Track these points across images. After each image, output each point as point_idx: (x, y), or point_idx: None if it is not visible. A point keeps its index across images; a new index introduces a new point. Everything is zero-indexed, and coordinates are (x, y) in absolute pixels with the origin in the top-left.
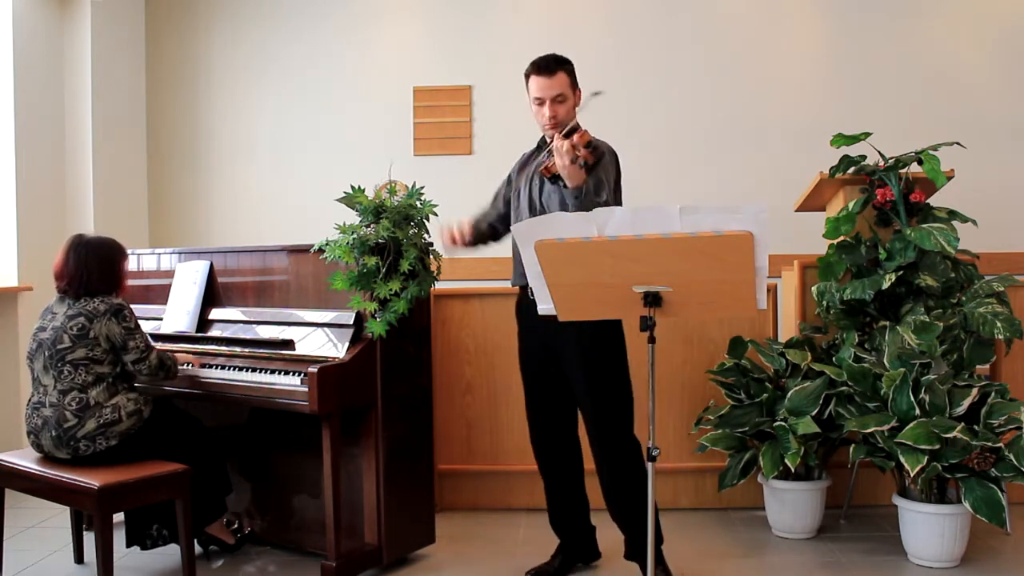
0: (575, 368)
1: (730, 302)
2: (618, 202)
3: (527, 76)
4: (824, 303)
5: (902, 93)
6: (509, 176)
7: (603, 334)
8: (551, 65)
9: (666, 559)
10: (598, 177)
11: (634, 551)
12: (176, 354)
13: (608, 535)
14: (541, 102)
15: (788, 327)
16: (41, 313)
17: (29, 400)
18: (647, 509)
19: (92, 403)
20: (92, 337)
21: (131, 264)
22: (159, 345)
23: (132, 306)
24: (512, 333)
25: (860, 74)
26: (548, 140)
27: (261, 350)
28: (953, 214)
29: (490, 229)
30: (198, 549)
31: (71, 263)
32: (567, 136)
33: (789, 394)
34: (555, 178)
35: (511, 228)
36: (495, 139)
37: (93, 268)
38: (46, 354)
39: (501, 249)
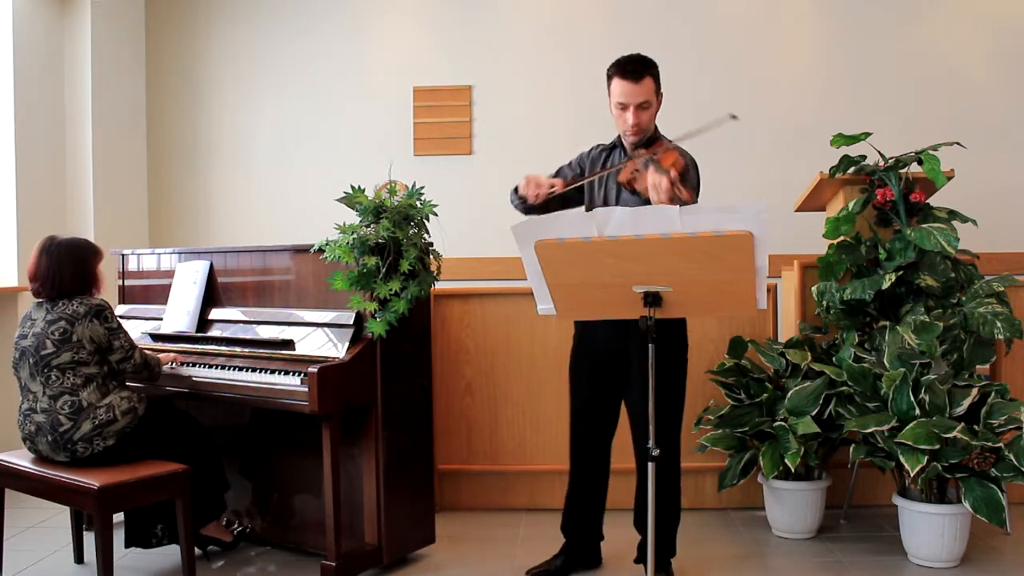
0: (639, 372)
1: (730, 302)
2: None
3: (609, 76)
4: (824, 303)
5: (902, 93)
6: (580, 162)
7: (670, 339)
8: (638, 69)
9: (671, 564)
10: (679, 200)
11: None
12: (160, 353)
13: (612, 540)
14: (624, 107)
15: (788, 327)
16: (20, 320)
17: (20, 407)
18: (678, 516)
19: (85, 405)
20: (75, 340)
21: (131, 264)
22: (159, 345)
23: (132, 306)
24: (512, 333)
25: (860, 74)
26: (628, 145)
27: (261, 350)
28: (953, 214)
29: (560, 201)
30: (197, 550)
31: (43, 265)
32: (646, 147)
33: (789, 394)
34: (635, 191)
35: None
36: (495, 139)
37: (66, 269)
38: (31, 361)
39: (501, 249)
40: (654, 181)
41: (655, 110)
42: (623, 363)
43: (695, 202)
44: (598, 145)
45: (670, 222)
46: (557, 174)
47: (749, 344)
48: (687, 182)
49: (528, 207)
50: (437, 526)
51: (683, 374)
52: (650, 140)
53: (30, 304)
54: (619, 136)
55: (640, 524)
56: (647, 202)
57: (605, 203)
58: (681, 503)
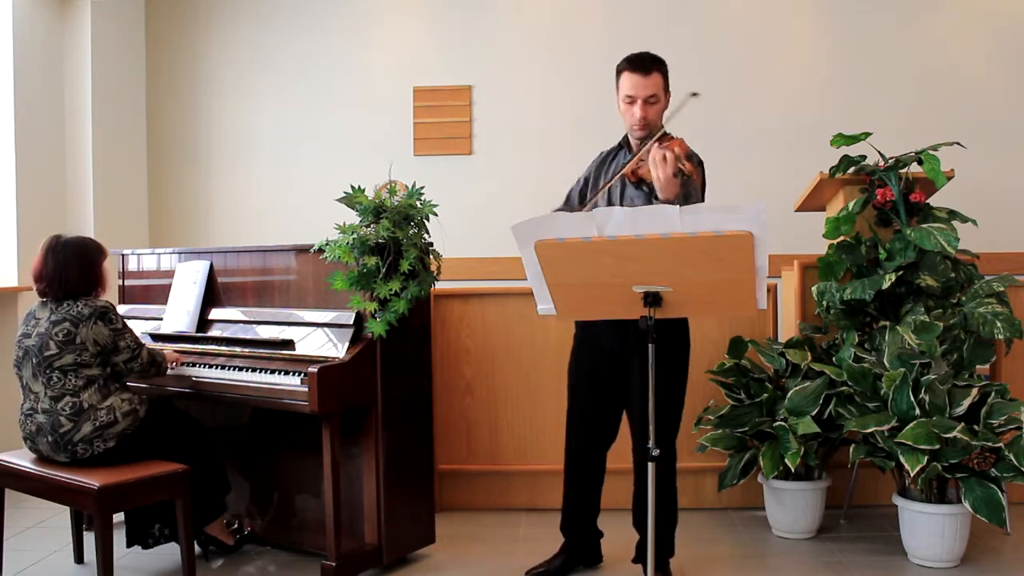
0: (639, 374)
1: (730, 302)
2: None
3: (619, 72)
4: (824, 303)
5: (902, 93)
6: (587, 176)
7: (672, 340)
8: (647, 63)
9: (669, 564)
10: (688, 190)
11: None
12: (165, 351)
13: (612, 539)
14: (632, 101)
15: (788, 327)
16: (23, 319)
17: (21, 407)
18: (675, 517)
19: (86, 406)
20: (79, 342)
21: (131, 264)
22: (159, 345)
23: (133, 306)
24: (512, 333)
25: (860, 74)
26: (634, 141)
27: (261, 350)
28: (953, 214)
29: None
30: (197, 549)
31: (49, 264)
32: (657, 141)
33: (789, 394)
34: (640, 183)
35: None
36: (495, 139)
37: (72, 269)
38: (33, 361)
39: (501, 249)
40: (655, 156)
41: (662, 107)
42: (624, 364)
43: (700, 192)
44: (601, 152)
45: (670, 222)
46: (567, 200)
47: (749, 344)
48: (692, 160)
49: None
50: (437, 526)
51: (684, 375)
52: (660, 139)
53: (34, 303)
54: (625, 136)
55: (639, 524)
56: (652, 193)
57: (609, 201)
58: (679, 503)
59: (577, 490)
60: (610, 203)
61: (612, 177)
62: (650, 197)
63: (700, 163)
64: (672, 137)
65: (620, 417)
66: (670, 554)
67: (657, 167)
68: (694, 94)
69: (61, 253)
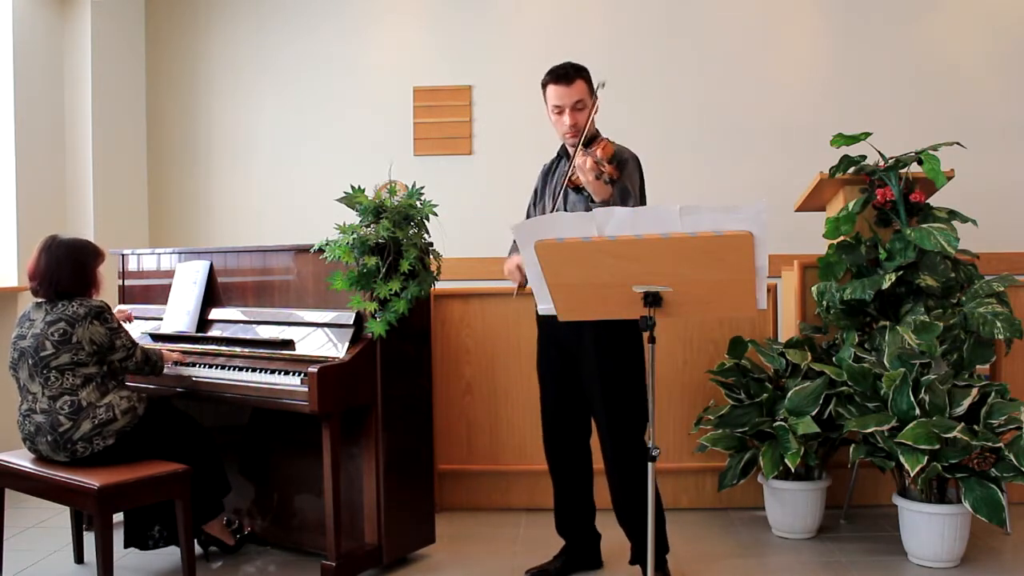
0: (592, 373)
1: (730, 302)
2: None
3: (544, 85)
4: (824, 303)
5: (902, 93)
6: (535, 190)
7: (622, 340)
8: (569, 73)
9: (667, 562)
10: (623, 187)
11: (640, 556)
12: (162, 351)
13: (612, 540)
14: (560, 111)
15: (788, 327)
16: (18, 320)
17: (19, 407)
18: (662, 513)
19: (85, 404)
20: (75, 342)
21: (131, 264)
22: (159, 345)
23: (133, 306)
24: (512, 333)
25: (860, 74)
26: (570, 148)
27: (261, 350)
28: (953, 214)
29: None
30: (198, 550)
31: (43, 264)
32: (587, 146)
33: (789, 394)
34: (579, 189)
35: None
36: (495, 139)
37: (64, 269)
38: (30, 362)
39: (502, 249)
40: (579, 162)
41: (590, 111)
42: (583, 361)
43: (639, 188)
44: (544, 165)
45: (670, 222)
46: (527, 217)
47: (749, 344)
48: (617, 164)
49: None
50: (437, 526)
51: (638, 373)
52: (589, 141)
53: (28, 305)
54: (563, 145)
55: (620, 521)
56: (590, 198)
57: (554, 210)
58: (680, 503)
59: (563, 489)
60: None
61: (556, 188)
62: (588, 202)
63: (630, 159)
64: (601, 139)
65: (589, 413)
66: (665, 551)
67: (584, 173)
68: (602, 84)
69: (55, 253)
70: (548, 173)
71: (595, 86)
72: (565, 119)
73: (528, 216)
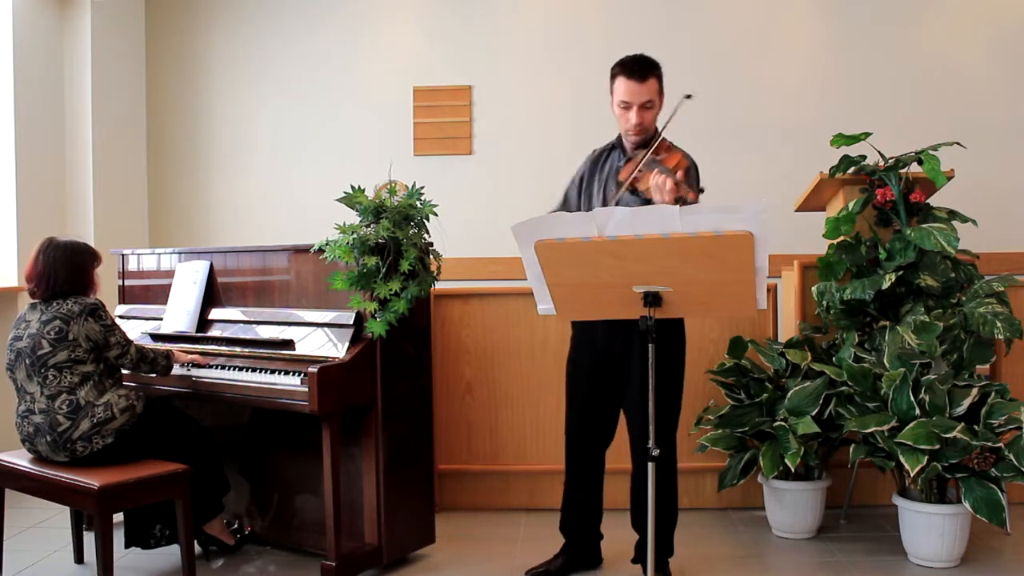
0: (642, 374)
1: (730, 302)
2: None
3: (613, 75)
4: (824, 303)
5: (902, 93)
6: (581, 175)
7: (671, 341)
8: (643, 69)
9: (669, 563)
10: (684, 200)
11: (644, 556)
12: (172, 351)
13: (611, 539)
14: (627, 106)
15: (788, 327)
16: (14, 322)
17: (17, 409)
18: (675, 517)
19: (83, 403)
20: (72, 339)
21: (131, 264)
22: (158, 345)
23: (132, 306)
24: (512, 333)
25: (860, 74)
26: (629, 145)
27: (261, 350)
28: (953, 214)
29: None
30: (198, 549)
31: (39, 265)
32: (655, 151)
33: (789, 394)
34: (635, 191)
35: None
36: (495, 139)
37: (60, 271)
38: (27, 362)
39: (501, 249)
40: (658, 183)
41: (658, 110)
42: (622, 364)
43: (686, 199)
44: (594, 150)
45: (670, 222)
46: (565, 200)
47: (749, 344)
48: (691, 184)
49: None
50: (437, 526)
51: (681, 374)
52: (650, 140)
53: (24, 306)
54: (618, 136)
55: (637, 524)
56: (649, 202)
57: (605, 204)
58: (679, 503)
59: (577, 491)
60: (605, 205)
61: (607, 181)
62: (645, 203)
63: (694, 165)
64: (670, 147)
65: (618, 418)
66: (669, 554)
67: (662, 195)
68: (688, 96)
69: (52, 255)
70: (598, 161)
71: (678, 100)
72: (631, 117)
73: (567, 198)
